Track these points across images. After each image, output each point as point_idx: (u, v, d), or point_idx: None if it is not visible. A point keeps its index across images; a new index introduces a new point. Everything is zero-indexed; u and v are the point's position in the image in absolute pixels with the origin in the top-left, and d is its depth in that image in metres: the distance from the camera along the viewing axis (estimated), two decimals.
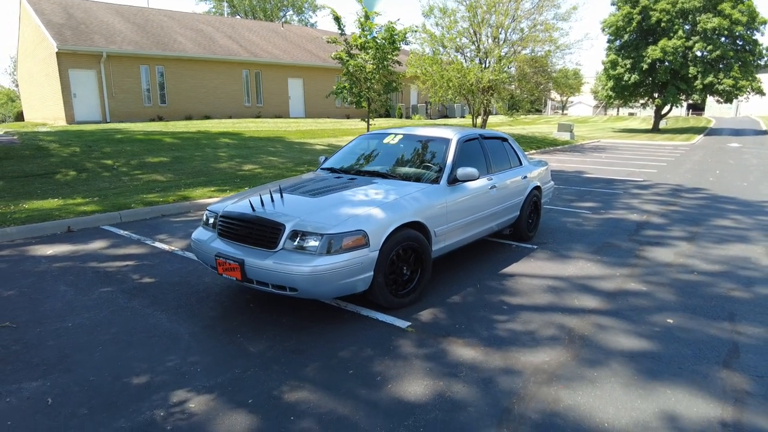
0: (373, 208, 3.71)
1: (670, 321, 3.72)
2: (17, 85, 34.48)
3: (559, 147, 20.02)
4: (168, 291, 4.23)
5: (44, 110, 22.38)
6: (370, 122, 15.49)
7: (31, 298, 4.06)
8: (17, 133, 14.18)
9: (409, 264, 3.91)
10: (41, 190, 8.17)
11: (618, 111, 66.30)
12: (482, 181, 4.83)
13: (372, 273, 3.57)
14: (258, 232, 3.60)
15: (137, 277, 4.58)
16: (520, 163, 5.78)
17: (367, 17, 14.01)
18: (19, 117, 29.32)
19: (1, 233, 5.76)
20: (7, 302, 3.98)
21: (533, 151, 17.70)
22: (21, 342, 3.33)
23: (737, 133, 30.94)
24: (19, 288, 4.29)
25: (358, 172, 4.79)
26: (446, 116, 34.05)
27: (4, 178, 8.94)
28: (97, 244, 5.64)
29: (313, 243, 3.39)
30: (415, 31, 16.44)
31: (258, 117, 24.70)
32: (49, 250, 5.41)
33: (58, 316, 3.73)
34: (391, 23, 14.06)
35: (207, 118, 22.94)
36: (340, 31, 14.25)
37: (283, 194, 4.01)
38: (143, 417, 2.54)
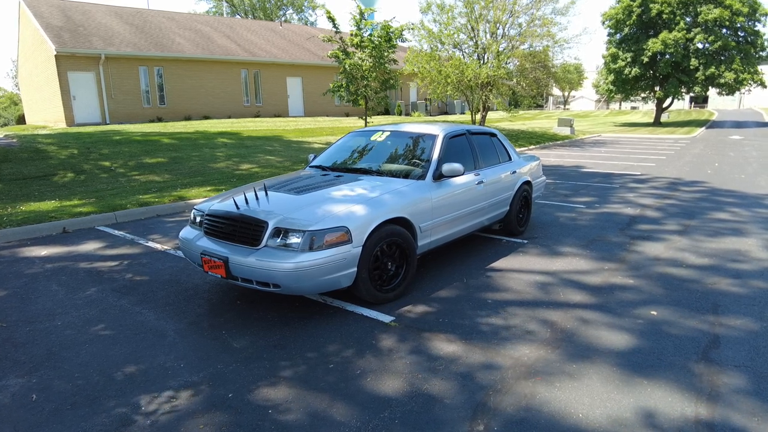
0: (357, 204, 3.74)
1: (654, 314, 3.74)
2: (19, 88, 34.66)
3: (558, 142, 19.97)
4: (157, 289, 4.28)
5: (45, 113, 22.52)
6: (369, 120, 15.52)
7: (22, 298, 4.12)
8: (16, 136, 14.28)
9: (394, 259, 3.94)
10: (38, 192, 8.24)
11: (620, 105, 65.96)
12: (469, 177, 4.85)
13: (356, 269, 3.60)
14: (242, 229, 3.64)
15: (128, 276, 4.63)
16: (510, 158, 5.79)
17: (362, 15, 14.05)
18: (21, 120, 29.50)
19: None
20: None
21: (532, 147, 17.67)
22: (10, 340, 3.38)
23: (739, 125, 30.73)
24: (11, 288, 4.35)
25: (345, 169, 4.82)
26: (446, 113, 33.99)
27: (2, 180, 9.02)
28: (90, 245, 5.70)
29: (295, 240, 3.43)
30: (412, 29, 16.44)
31: (257, 116, 24.76)
32: (43, 251, 5.47)
33: (48, 315, 3.79)
34: (387, 22, 14.10)
35: (206, 118, 23.01)
36: (335, 30, 14.31)
37: (268, 192, 4.04)
38: (124, 411, 2.58)
